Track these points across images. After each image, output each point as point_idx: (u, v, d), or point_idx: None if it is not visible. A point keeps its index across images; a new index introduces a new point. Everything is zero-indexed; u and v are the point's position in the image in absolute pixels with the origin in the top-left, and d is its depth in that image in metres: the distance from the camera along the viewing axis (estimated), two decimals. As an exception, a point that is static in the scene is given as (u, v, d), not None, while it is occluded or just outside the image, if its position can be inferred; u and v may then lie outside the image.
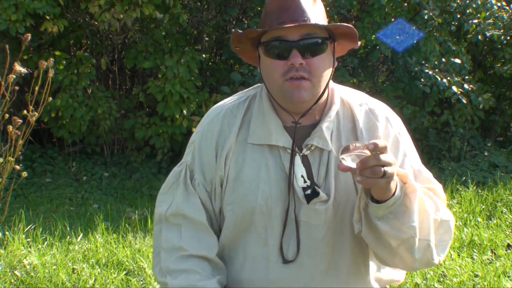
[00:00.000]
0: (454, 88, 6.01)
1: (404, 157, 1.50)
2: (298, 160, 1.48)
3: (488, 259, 3.64)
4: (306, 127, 1.49)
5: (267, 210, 1.48)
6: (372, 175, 1.25)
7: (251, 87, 1.63)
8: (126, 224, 4.21)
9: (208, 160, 1.53)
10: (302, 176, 1.47)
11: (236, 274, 1.54)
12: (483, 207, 4.66)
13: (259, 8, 6.02)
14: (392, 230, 1.34)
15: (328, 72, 1.46)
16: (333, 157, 1.48)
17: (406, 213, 1.33)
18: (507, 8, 6.70)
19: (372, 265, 1.56)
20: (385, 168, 1.25)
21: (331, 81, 1.52)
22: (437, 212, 1.42)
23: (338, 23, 1.45)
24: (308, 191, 1.47)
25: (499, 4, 6.62)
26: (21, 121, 2.98)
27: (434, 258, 1.41)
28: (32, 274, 3.28)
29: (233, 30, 1.48)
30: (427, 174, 1.51)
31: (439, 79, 5.94)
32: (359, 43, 1.49)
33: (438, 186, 1.50)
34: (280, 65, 1.42)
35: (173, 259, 1.50)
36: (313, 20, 1.41)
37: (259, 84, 1.59)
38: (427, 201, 1.40)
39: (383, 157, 1.25)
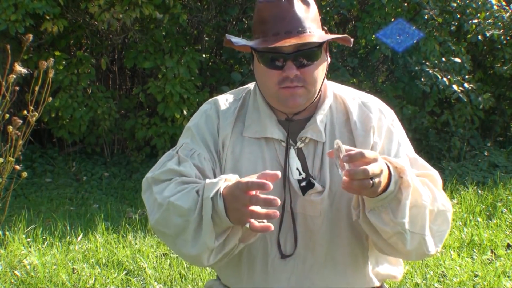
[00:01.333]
0: (455, 86, 6.00)
1: (399, 146, 1.51)
2: (293, 153, 1.49)
3: (488, 259, 3.64)
4: (300, 121, 1.51)
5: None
6: (360, 188, 1.23)
7: (246, 85, 1.64)
8: (126, 224, 4.21)
9: (210, 139, 1.53)
10: (297, 169, 1.48)
11: (234, 269, 1.55)
12: (483, 207, 4.66)
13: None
14: (381, 223, 1.33)
15: (322, 74, 1.48)
16: (327, 149, 1.49)
17: (397, 207, 1.32)
18: (507, 8, 6.70)
19: (371, 259, 1.56)
20: (374, 180, 1.24)
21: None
22: (434, 202, 1.40)
23: (334, 36, 1.45)
24: (303, 183, 1.48)
25: (499, 4, 6.62)
26: (21, 121, 2.98)
27: (429, 250, 1.40)
28: (32, 274, 3.28)
29: (226, 36, 1.48)
30: (423, 162, 1.51)
31: (440, 77, 5.94)
32: (352, 42, 1.49)
33: (435, 172, 1.48)
34: (274, 74, 1.43)
35: (164, 192, 1.43)
36: (307, 30, 1.40)
37: (254, 82, 1.59)
38: (424, 192, 1.37)
39: (371, 168, 1.22)
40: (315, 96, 1.48)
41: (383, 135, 1.51)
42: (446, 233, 1.45)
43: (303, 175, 1.48)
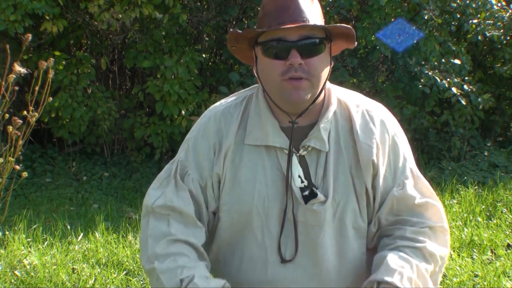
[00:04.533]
0: (454, 89, 6.01)
1: (405, 161, 1.51)
2: (295, 160, 1.48)
3: (488, 259, 3.64)
4: (303, 128, 1.50)
5: (263, 211, 1.48)
6: None
7: (247, 88, 1.63)
8: (126, 224, 4.21)
9: (204, 157, 1.52)
10: (299, 176, 1.47)
11: (234, 275, 1.54)
12: (483, 207, 4.66)
13: (259, 8, 6.00)
14: None
15: (325, 72, 1.47)
16: (331, 158, 1.47)
17: None
18: (507, 8, 6.70)
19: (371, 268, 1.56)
20: None
21: (328, 82, 1.52)
22: (433, 275, 1.46)
23: (337, 24, 1.46)
24: (306, 192, 1.47)
25: (499, 4, 6.62)
26: (21, 121, 2.98)
27: None
28: (32, 274, 3.28)
29: (230, 29, 1.48)
30: (425, 182, 1.53)
31: (439, 80, 5.94)
32: (356, 43, 1.49)
33: (439, 204, 1.51)
34: (278, 65, 1.42)
35: (160, 244, 1.47)
36: (311, 20, 1.41)
37: (255, 85, 1.58)
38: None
39: None
40: (318, 93, 1.47)
41: (387, 149, 1.50)
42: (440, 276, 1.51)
43: (305, 182, 1.47)
